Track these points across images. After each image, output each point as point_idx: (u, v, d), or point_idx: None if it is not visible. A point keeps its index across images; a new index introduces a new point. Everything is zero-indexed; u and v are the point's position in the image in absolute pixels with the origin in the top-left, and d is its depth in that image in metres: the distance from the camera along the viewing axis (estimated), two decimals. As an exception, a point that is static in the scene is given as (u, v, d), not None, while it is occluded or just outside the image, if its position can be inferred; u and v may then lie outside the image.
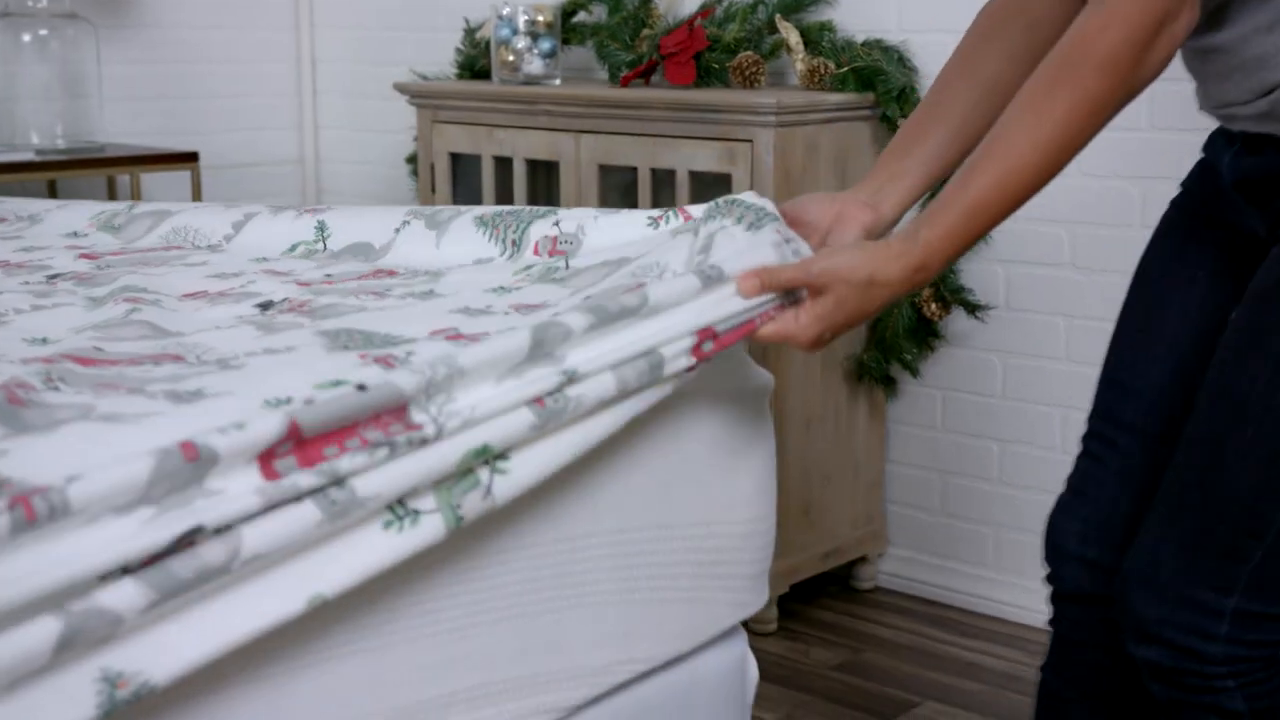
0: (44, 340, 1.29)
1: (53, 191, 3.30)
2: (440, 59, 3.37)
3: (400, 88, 3.10)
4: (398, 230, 1.67)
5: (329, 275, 1.54)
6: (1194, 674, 1.32)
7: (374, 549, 1.02)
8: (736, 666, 1.45)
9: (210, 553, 0.93)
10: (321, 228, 1.73)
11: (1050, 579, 1.55)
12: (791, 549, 2.70)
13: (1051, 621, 1.57)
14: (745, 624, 1.50)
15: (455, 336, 1.25)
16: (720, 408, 1.40)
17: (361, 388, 1.03)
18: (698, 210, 1.48)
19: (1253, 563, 1.29)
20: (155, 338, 1.28)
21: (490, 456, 1.09)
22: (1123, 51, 1.18)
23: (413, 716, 1.15)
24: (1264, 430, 1.26)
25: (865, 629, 2.74)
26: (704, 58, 2.81)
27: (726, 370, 1.40)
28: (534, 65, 2.98)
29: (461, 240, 1.61)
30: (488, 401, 1.08)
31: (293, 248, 1.73)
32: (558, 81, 2.98)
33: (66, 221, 1.91)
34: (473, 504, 1.08)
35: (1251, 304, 1.30)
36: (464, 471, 1.08)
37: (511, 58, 3.00)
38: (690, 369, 1.21)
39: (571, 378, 1.13)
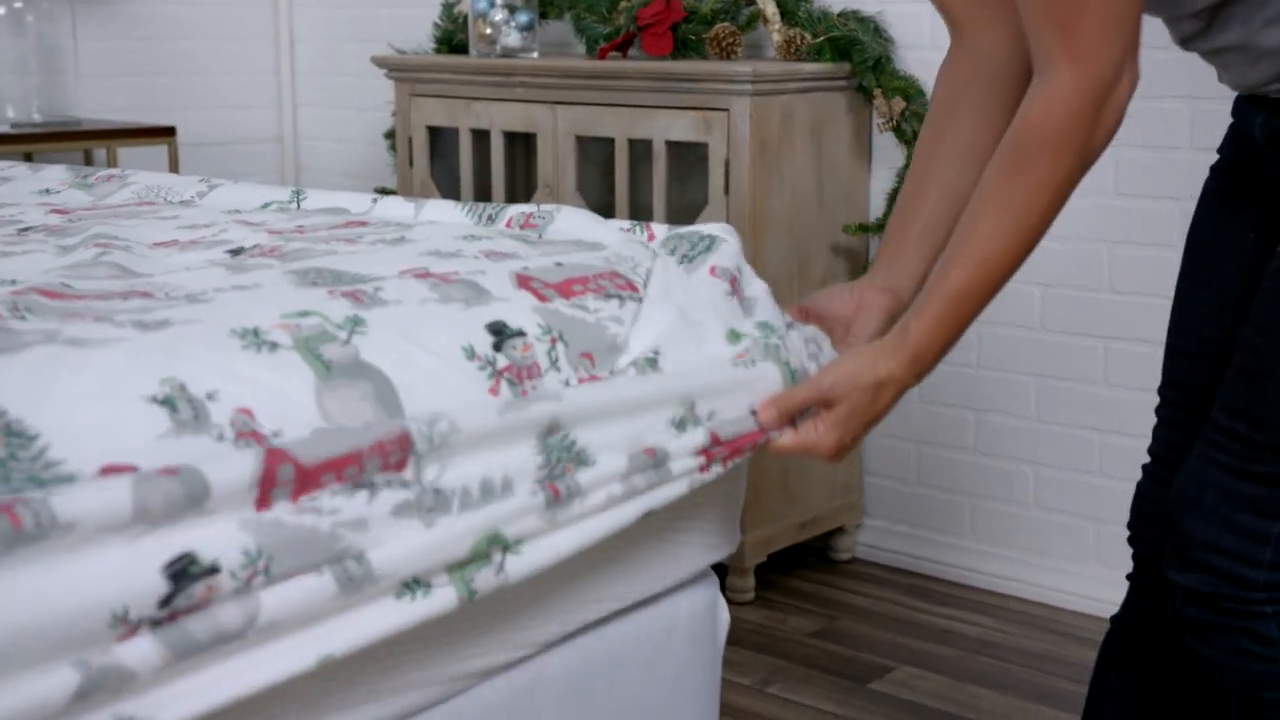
0: (13, 282, 1.29)
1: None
2: (418, 36, 3.37)
3: (378, 61, 3.10)
4: (375, 201, 1.71)
5: (301, 226, 1.55)
6: (1233, 599, 1.32)
7: (386, 615, 1.05)
8: (708, 610, 1.46)
9: (227, 615, 0.95)
10: (298, 192, 1.76)
11: (1133, 544, 1.56)
12: (769, 519, 2.71)
13: (1130, 577, 1.58)
14: (723, 592, 1.51)
15: (424, 275, 1.26)
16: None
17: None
18: (660, 230, 1.52)
19: None
20: (124, 278, 1.29)
21: (504, 545, 1.12)
22: (1070, 132, 1.21)
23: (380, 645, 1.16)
24: None
25: (842, 598, 2.75)
26: (681, 29, 2.82)
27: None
28: (511, 38, 2.98)
29: (439, 213, 1.64)
30: (480, 441, 1.11)
31: (266, 205, 1.75)
32: (535, 55, 2.99)
33: (39, 180, 1.92)
34: (485, 580, 1.11)
35: None
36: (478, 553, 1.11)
37: (489, 30, 3.00)
38: (702, 469, 1.25)
39: (572, 453, 1.17)
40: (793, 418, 1.30)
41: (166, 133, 3.21)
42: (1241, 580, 1.32)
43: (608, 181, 2.90)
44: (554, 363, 1.23)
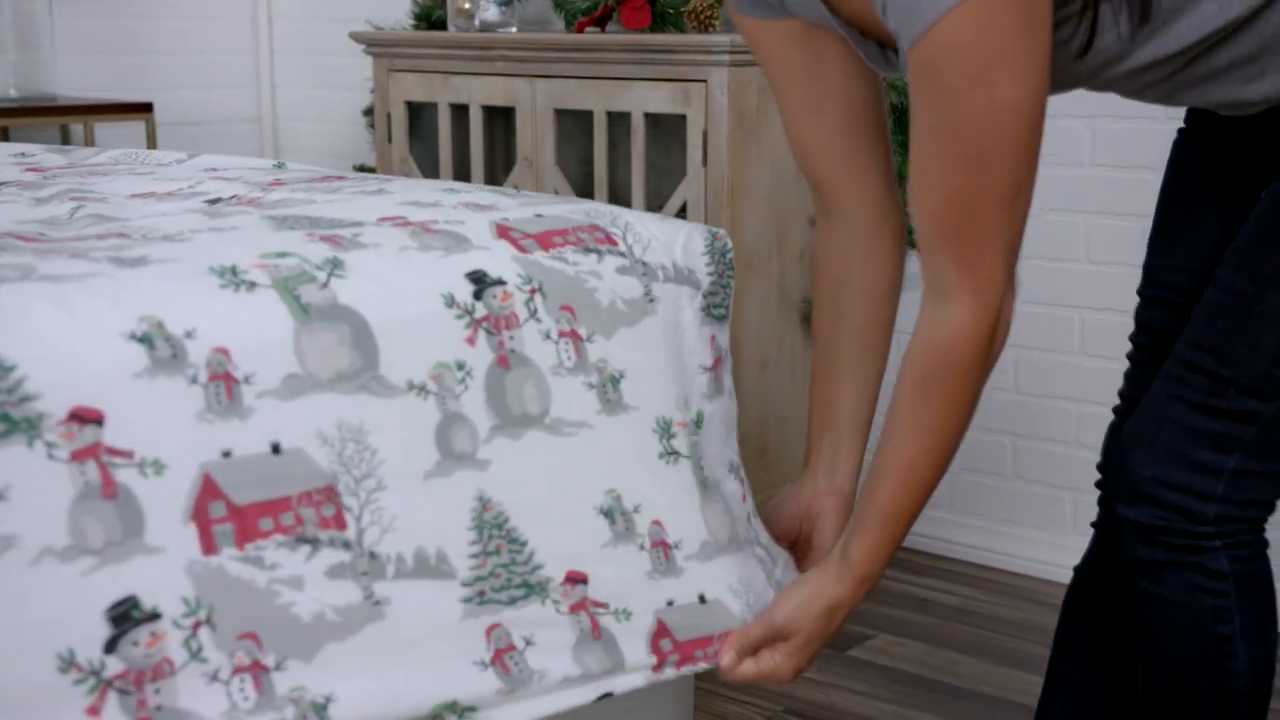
0: (-11, 230, 1.29)
1: (5, 140, 3.28)
2: (396, 14, 3.37)
3: (356, 36, 3.09)
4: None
5: (279, 179, 1.55)
6: (1183, 533, 1.34)
7: None
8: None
9: None
10: (280, 165, 1.76)
11: (1102, 485, 1.57)
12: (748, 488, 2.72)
13: (1096, 525, 1.59)
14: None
15: (404, 223, 1.26)
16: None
17: (276, 450, 1.07)
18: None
19: (1259, 424, 1.31)
20: (100, 224, 1.29)
21: (459, 711, 1.14)
22: (972, 358, 1.25)
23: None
24: None
25: (821, 569, 2.76)
26: (659, 3, 2.82)
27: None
28: (489, 13, 2.98)
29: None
30: (413, 506, 1.13)
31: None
32: (514, 29, 2.99)
33: (14, 149, 1.92)
34: None
35: None
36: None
37: (467, 5, 3.00)
38: (655, 669, 1.28)
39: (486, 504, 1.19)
40: (752, 651, 1.35)
41: (144, 109, 3.20)
42: (1191, 514, 1.33)
43: (586, 154, 2.91)
44: (533, 313, 1.23)
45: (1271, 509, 1.38)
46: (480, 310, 1.20)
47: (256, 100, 3.83)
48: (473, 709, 1.15)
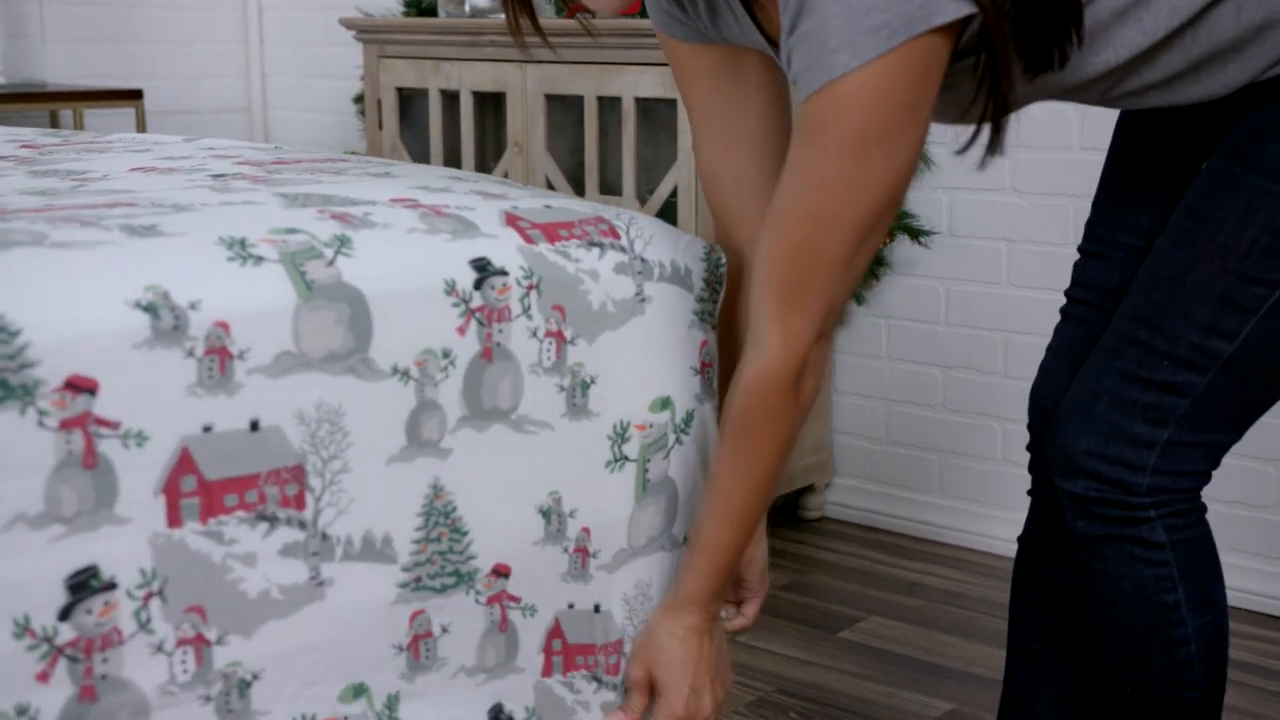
0: (-10, 201, 1.29)
1: (-6, 130, 3.27)
2: (387, 2, 3.37)
3: (346, 23, 3.09)
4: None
5: (281, 158, 1.55)
6: (1117, 504, 1.36)
7: None
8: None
9: None
10: (277, 148, 1.76)
11: (1032, 445, 1.58)
12: (738, 474, 2.73)
13: (1031, 491, 1.60)
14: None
15: (415, 205, 1.26)
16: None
17: (255, 427, 1.08)
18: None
19: (1192, 396, 1.33)
20: (107, 196, 1.29)
21: (366, 694, 1.17)
22: (778, 403, 1.27)
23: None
24: (1225, 266, 1.30)
25: (812, 554, 2.78)
26: (650, -11, 2.83)
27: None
28: (480, -1, 2.99)
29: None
30: (371, 490, 1.15)
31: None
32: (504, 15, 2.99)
33: (7, 131, 1.92)
34: None
35: (1224, 156, 1.33)
36: None
37: (458, -9, 3.00)
38: (544, 673, 1.31)
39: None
40: (645, 709, 1.36)
41: (134, 95, 3.20)
42: (1124, 486, 1.35)
43: (577, 140, 2.91)
44: (525, 310, 1.24)
45: (1207, 478, 1.39)
46: (477, 300, 1.21)
47: (246, 89, 3.83)
48: (371, 692, 1.18)
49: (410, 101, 3.09)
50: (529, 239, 1.27)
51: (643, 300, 1.33)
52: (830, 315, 1.26)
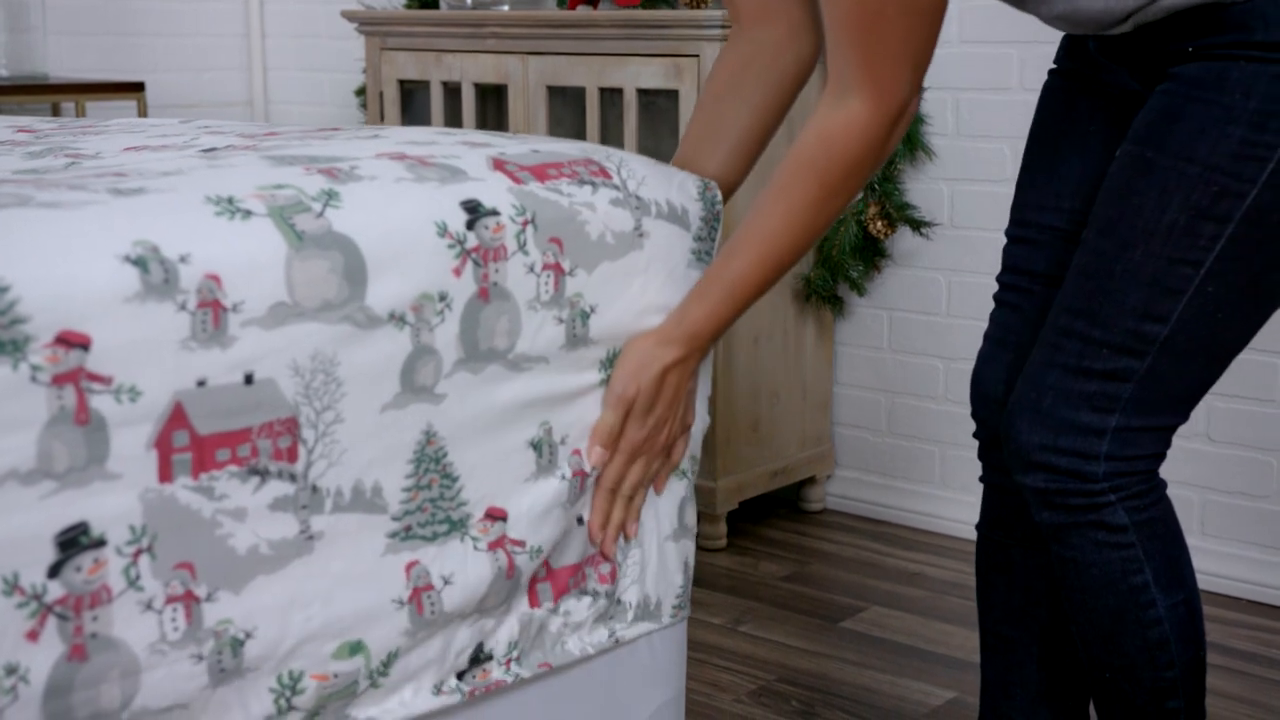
0: (-17, 176, 1.29)
1: (-3, 123, 3.27)
2: (388, -6, 3.37)
3: (348, 15, 3.09)
4: None
5: (274, 130, 1.55)
6: (1077, 494, 1.36)
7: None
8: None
9: (107, 696, 1.00)
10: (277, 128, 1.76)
11: (979, 433, 1.58)
12: (740, 465, 2.72)
13: (982, 477, 1.61)
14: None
15: (401, 157, 1.26)
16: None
17: (249, 380, 1.07)
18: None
19: (1134, 381, 1.34)
20: (98, 172, 1.29)
21: (365, 652, 1.17)
22: (866, 155, 1.29)
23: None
24: (1150, 251, 1.31)
25: (813, 545, 2.77)
26: (651, -20, 2.83)
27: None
28: (482, -9, 2.99)
29: None
30: (364, 439, 1.14)
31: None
32: (506, 6, 2.99)
33: (7, 118, 1.92)
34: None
35: (1135, 141, 1.34)
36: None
37: (459, -17, 3.00)
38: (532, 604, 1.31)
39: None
40: (618, 438, 1.34)
41: (135, 88, 3.20)
42: (1081, 475, 1.36)
43: (579, 131, 2.91)
44: (521, 246, 1.24)
45: (1161, 458, 1.40)
46: (471, 240, 1.21)
47: (248, 82, 3.83)
48: (369, 650, 1.17)
49: (412, 94, 3.09)
50: (518, 180, 1.27)
51: (641, 235, 1.33)
52: (918, 67, 1.26)
